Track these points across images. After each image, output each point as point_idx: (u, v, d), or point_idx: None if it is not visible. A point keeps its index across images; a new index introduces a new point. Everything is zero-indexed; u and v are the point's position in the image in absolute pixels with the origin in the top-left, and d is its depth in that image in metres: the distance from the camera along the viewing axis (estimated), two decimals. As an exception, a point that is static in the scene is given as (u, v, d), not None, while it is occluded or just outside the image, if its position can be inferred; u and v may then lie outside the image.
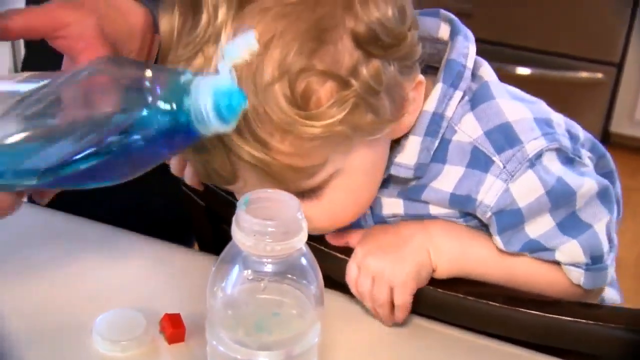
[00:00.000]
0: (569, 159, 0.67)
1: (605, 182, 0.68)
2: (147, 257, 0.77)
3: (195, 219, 0.84)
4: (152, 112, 0.49)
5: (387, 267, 0.65)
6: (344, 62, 0.58)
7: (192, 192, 0.80)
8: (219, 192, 0.74)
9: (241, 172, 0.60)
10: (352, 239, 0.69)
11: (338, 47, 0.58)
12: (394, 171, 0.67)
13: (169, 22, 0.61)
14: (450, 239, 0.69)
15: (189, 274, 0.74)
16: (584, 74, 2.44)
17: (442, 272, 0.67)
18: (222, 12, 0.57)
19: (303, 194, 0.62)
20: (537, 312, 0.65)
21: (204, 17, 0.58)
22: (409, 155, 0.66)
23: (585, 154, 0.71)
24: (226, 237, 0.60)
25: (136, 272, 0.75)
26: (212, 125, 0.48)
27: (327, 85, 0.57)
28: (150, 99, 0.49)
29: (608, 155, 0.78)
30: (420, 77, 0.64)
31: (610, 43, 2.36)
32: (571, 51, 2.43)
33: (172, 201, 0.89)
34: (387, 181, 0.68)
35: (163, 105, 0.49)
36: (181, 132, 0.50)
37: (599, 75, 2.38)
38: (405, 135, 0.66)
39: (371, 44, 0.59)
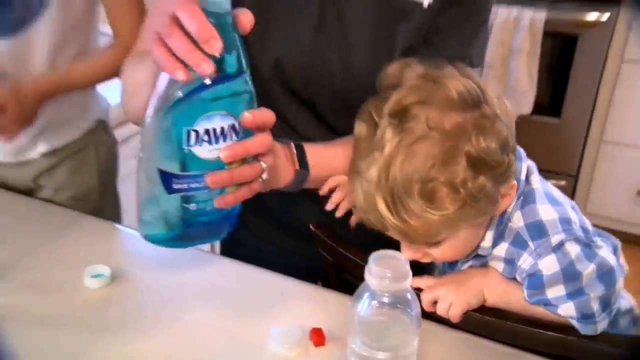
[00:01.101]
0: (586, 244, 0.69)
1: (609, 264, 0.69)
2: (296, 294, 0.81)
3: (324, 269, 0.89)
4: None
5: (451, 292, 0.71)
6: (459, 176, 0.61)
7: (324, 252, 0.86)
8: (347, 255, 0.81)
9: (389, 228, 0.65)
10: (418, 281, 0.72)
11: (457, 166, 0.61)
12: (480, 252, 0.73)
13: (359, 129, 0.67)
14: (500, 283, 0.72)
15: (322, 304, 0.78)
16: (551, 182, 2.39)
17: (490, 303, 0.72)
18: (388, 133, 0.62)
19: (430, 244, 0.68)
20: (552, 333, 0.69)
21: (379, 133, 0.63)
22: (487, 242, 0.71)
23: (598, 240, 0.72)
24: (346, 283, 0.69)
25: (292, 302, 0.79)
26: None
27: (446, 189, 0.61)
28: None
29: (606, 234, 0.77)
30: (513, 181, 0.67)
31: (570, 159, 2.42)
32: (542, 165, 2.41)
33: (307, 258, 0.93)
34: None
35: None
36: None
37: (562, 182, 2.42)
38: (485, 230, 0.71)
39: (479, 166, 0.62)
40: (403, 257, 0.59)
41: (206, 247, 1.67)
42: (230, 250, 0.99)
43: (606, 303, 0.69)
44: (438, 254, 0.70)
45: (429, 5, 0.76)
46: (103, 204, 1.17)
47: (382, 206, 0.62)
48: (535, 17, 2.20)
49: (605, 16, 2.15)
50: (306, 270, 0.89)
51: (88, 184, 1.14)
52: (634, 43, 2.16)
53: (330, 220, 0.83)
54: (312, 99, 0.83)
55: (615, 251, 0.73)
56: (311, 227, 0.86)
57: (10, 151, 1.09)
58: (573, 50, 2.25)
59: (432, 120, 0.61)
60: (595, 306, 0.68)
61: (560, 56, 2.29)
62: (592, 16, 2.17)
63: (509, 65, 2.30)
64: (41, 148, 1.09)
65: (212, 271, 0.85)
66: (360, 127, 0.66)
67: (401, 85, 0.65)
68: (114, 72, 1.02)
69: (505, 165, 0.64)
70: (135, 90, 0.70)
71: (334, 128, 0.85)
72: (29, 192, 1.14)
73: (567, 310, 0.69)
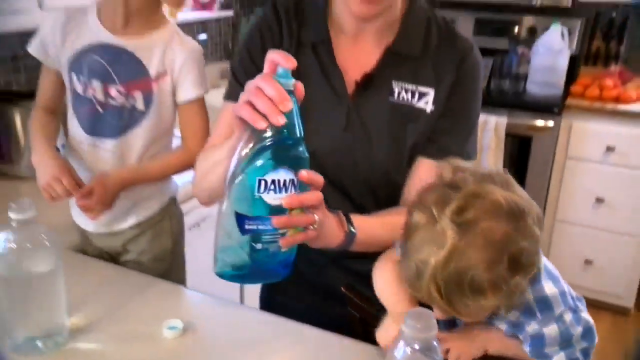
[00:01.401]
0: (575, 310, 0.71)
1: (590, 324, 0.71)
2: (330, 344, 0.83)
3: (351, 323, 0.88)
4: None
5: (461, 345, 0.73)
6: (502, 276, 0.61)
7: (352, 309, 0.86)
8: (374, 313, 0.81)
9: (433, 303, 0.66)
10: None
11: (501, 268, 0.61)
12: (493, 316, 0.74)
13: (418, 217, 0.65)
14: (500, 340, 0.74)
15: (352, 352, 0.80)
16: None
17: (491, 353, 0.74)
18: (450, 233, 0.61)
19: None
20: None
21: (439, 228, 0.62)
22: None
23: (579, 304, 0.73)
24: (368, 335, 0.69)
25: (328, 350, 0.80)
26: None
27: (490, 286, 0.61)
28: None
29: (578, 297, 0.77)
30: (535, 270, 0.66)
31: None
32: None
33: (332, 314, 0.92)
34: None
35: None
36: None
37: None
38: None
39: (517, 268, 0.61)
40: (432, 314, 0.58)
41: (237, 297, 1.70)
42: (269, 307, 1.00)
43: (586, 353, 0.73)
44: (464, 319, 0.72)
45: (431, 112, 0.82)
46: (174, 264, 1.21)
47: (434, 291, 0.63)
48: (499, 122, 2.34)
49: (550, 123, 2.30)
50: (330, 324, 0.89)
51: (164, 247, 1.18)
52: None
53: (356, 284, 0.85)
54: (341, 183, 0.86)
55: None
56: (342, 289, 0.88)
57: (104, 224, 1.14)
58: (529, 148, 2.37)
59: (486, 229, 0.61)
60: (580, 356, 0.72)
61: (519, 153, 2.41)
62: (540, 122, 2.32)
63: (480, 160, 2.40)
64: (131, 221, 1.14)
65: (260, 325, 0.87)
66: (419, 217, 0.65)
67: (457, 185, 0.65)
68: (180, 169, 1.11)
69: (536, 265, 0.65)
70: (212, 169, 0.75)
71: (359, 205, 0.88)
72: (117, 255, 1.18)
73: (559, 358, 0.72)
